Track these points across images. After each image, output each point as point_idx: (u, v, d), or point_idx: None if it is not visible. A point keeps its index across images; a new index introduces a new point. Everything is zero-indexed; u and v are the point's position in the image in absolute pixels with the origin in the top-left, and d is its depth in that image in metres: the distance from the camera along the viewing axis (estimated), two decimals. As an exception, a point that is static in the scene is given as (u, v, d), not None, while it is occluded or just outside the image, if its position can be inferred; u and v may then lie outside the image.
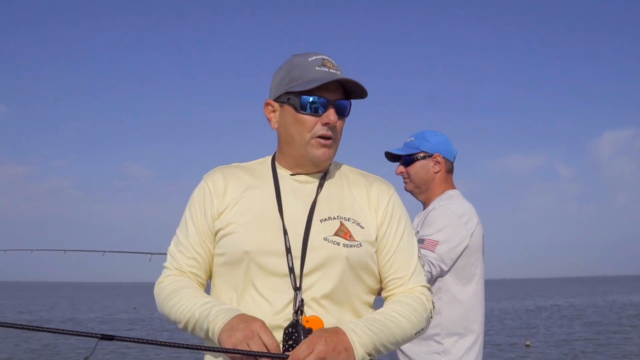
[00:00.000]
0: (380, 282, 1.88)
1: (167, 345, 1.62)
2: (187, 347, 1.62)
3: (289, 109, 1.81)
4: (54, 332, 1.63)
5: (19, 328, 1.60)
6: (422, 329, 1.81)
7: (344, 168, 1.98)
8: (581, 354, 15.50)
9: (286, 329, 1.67)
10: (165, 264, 1.89)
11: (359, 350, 1.64)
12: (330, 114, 1.77)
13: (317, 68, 1.78)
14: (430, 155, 3.06)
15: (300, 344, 1.59)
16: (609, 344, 17.45)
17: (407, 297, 1.81)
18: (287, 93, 1.80)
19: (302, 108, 1.78)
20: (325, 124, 1.78)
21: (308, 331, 1.66)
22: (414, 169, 3.07)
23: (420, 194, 3.11)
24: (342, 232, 1.78)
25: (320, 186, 1.87)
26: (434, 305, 1.87)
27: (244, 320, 1.63)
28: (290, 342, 1.64)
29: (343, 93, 1.82)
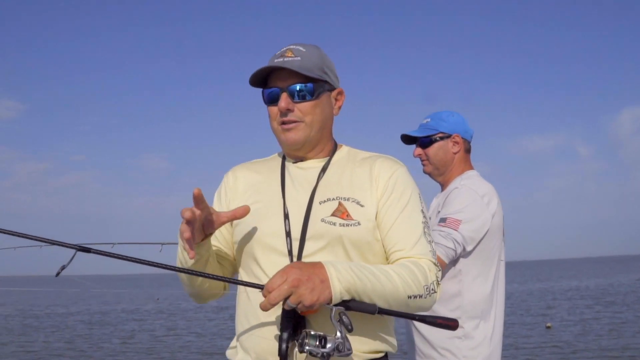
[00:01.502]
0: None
1: (149, 264, 1.65)
2: (171, 268, 1.69)
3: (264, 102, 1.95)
4: (35, 240, 1.65)
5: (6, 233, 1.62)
6: (419, 296, 1.72)
7: (354, 152, 2.01)
8: (603, 335, 15.42)
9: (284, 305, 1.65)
10: None
11: (337, 285, 1.61)
12: (281, 101, 1.85)
13: (275, 60, 1.86)
14: (448, 136, 3.02)
15: (273, 275, 1.59)
16: (632, 324, 17.33)
17: (408, 261, 1.77)
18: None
19: (265, 101, 1.91)
20: (280, 110, 1.87)
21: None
22: (432, 151, 3.03)
23: (439, 176, 3.07)
24: (340, 212, 1.80)
25: (323, 170, 1.92)
26: (438, 282, 1.79)
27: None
28: (288, 319, 1.66)
29: (303, 77, 1.86)
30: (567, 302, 26.41)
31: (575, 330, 16.74)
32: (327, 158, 1.96)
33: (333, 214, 1.80)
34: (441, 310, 2.82)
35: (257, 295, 1.72)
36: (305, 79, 1.86)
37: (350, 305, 1.63)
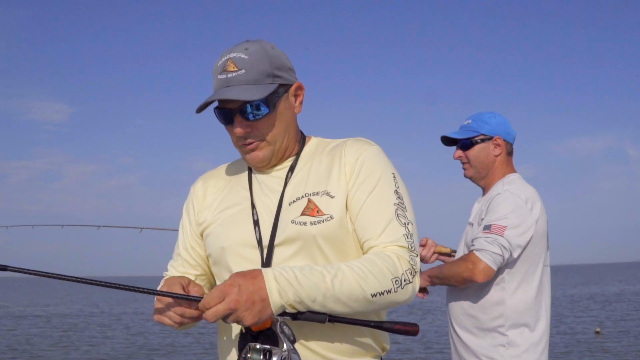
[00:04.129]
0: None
1: (66, 279, 1.54)
2: (105, 285, 1.56)
3: None
4: None
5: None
6: (386, 292, 1.53)
7: (324, 142, 1.85)
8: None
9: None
10: (165, 273, 1.91)
11: (277, 300, 1.47)
12: (236, 126, 1.70)
13: (218, 77, 1.70)
14: (490, 138, 2.96)
15: (212, 291, 1.48)
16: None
17: (371, 254, 1.59)
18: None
19: (220, 121, 1.76)
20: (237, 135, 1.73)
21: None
22: (473, 153, 2.97)
23: (480, 179, 3.01)
24: (309, 209, 1.67)
25: (291, 170, 1.78)
26: (414, 269, 1.60)
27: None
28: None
29: (256, 91, 1.70)
30: (617, 307, 25.77)
31: (625, 336, 16.31)
32: (294, 157, 1.81)
33: (302, 213, 1.66)
34: (484, 317, 2.80)
35: None
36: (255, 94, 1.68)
37: (297, 316, 1.52)
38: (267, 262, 1.67)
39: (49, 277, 1.53)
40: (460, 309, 2.90)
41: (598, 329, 17.25)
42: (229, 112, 1.71)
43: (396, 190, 1.70)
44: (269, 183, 1.79)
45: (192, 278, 1.82)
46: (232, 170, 1.91)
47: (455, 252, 3.13)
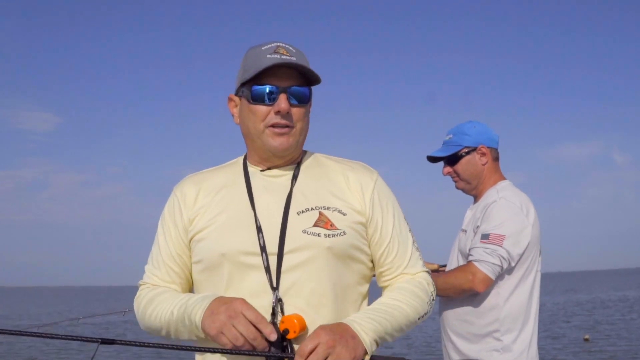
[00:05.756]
0: (374, 269, 1.84)
1: (168, 348, 1.57)
2: (192, 349, 1.59)
3: (244, 101, 1.75)
4: (57, 338, 1.62)
5: (16, 334, 1.61)
6: (426, 313, 1.78)
7: (320, 157, 1.88)
8: (643, 348, 15.06)
9: None
10: (140, 282, 1.85)
11: (365, 337, 1.60)
12: (282, 102, 1.68)
13: (268, 56, 1.69)
14: (474, 149, 2.98)
15: (305, 340, 1.54)
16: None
17: (407, 283, 1.78)
18: (242, 85, 1.75)
19: (253, 98, 1.72)
20: (277, 113, 1.70)
21: (283, 332, 1.59)
22: (461, 167, 3.00)
23: (471, 190, 3.04)
24: (323, 222, 1.69)
25: (295, 178, 1.78)
26: (434, 288, 1.84)
27: (223, 302, 1.59)
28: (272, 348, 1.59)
29: (300, 79, 1.72)
30: (605, 314, 25.85)
31: (614, 342, 16.37)
32: (294, 165, 1.81)
33: (316, 225, 1.69)
34: (479, 322, 2.82)
35: None
36: (302, 81, 1.73)
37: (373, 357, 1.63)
38: (272, 269, 1.66)
39: (161, 347, 1.56)
40: (454, 315, 2.91)
41: (587, 336, 17.30)
42: (275, 89, 1.70)
43: (404, 217, 1.87)
44: (271, 189, 1.76)
45: (177, 288, 1.80)
46: (225, 173, 1.85)
47: (444, 267, 3.13)
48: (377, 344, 1.65)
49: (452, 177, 3.05)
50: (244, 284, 1.67)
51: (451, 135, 3.04)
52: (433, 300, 1.82)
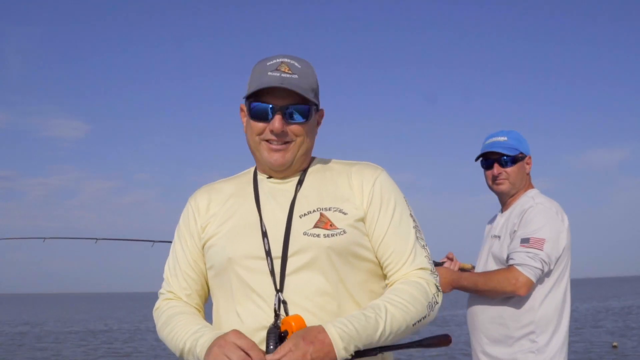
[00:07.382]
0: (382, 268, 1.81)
1: None
2: None
3: (247, 114, 1.82)
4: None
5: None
6: (424, 317, 1.70)
7: (328, 162, 1.92)
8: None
9: (267, 333, 1.65)
10: (160, 290, 1.93)
11: (343, 355, 1.58)
12: (275, 122, 1.73)
13: (269, 73, 1.74)
14: (525, 156, 3.08)
15: (282, 345, 1.58)
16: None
17: (404, 284, 1.72)
18: (246, 99, 1.80)
19: (251, 115, 1.78)
20: (272, 131, 1.75)
21: (283, 334, 1.63)
22: (514, 170, 3.06)
23: (511, 194, 3.09)
24: (322, 222, 1.73)
25: (300, 183, 1.83)
26: (438, 289, 1.77)
27: (219, 337, 1.64)
28: (271, 347, 1.62)
29: (299, 97, 1.75)
30: (635, 320, 25.51)
31: (643, 350, 16.22)
32: (302, 172, 1.85)
33: (315, 226, 1.72)
34: (515, 325, 2.89)
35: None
36: (300, 99, 1.76)
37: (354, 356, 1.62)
38: (277, 273, 1.71)
39: None
40: (488, 317, 2.98)
41: (615, 343, 17.16)
42: (270, 108, 1.75)
43: (411, 213, 1.83)
44: (276, 195, 1.81)
45: (194, 296, 1.89)
46: (236, 182, 1.91)
47: (474, 267, 3.25)
48: (354, 350, 1.61)
49: (500, 178, 3.08)
50: (250, 287, 1.73)
51: (506, 138, 3.08)
52: (436, 303, 1.74)
